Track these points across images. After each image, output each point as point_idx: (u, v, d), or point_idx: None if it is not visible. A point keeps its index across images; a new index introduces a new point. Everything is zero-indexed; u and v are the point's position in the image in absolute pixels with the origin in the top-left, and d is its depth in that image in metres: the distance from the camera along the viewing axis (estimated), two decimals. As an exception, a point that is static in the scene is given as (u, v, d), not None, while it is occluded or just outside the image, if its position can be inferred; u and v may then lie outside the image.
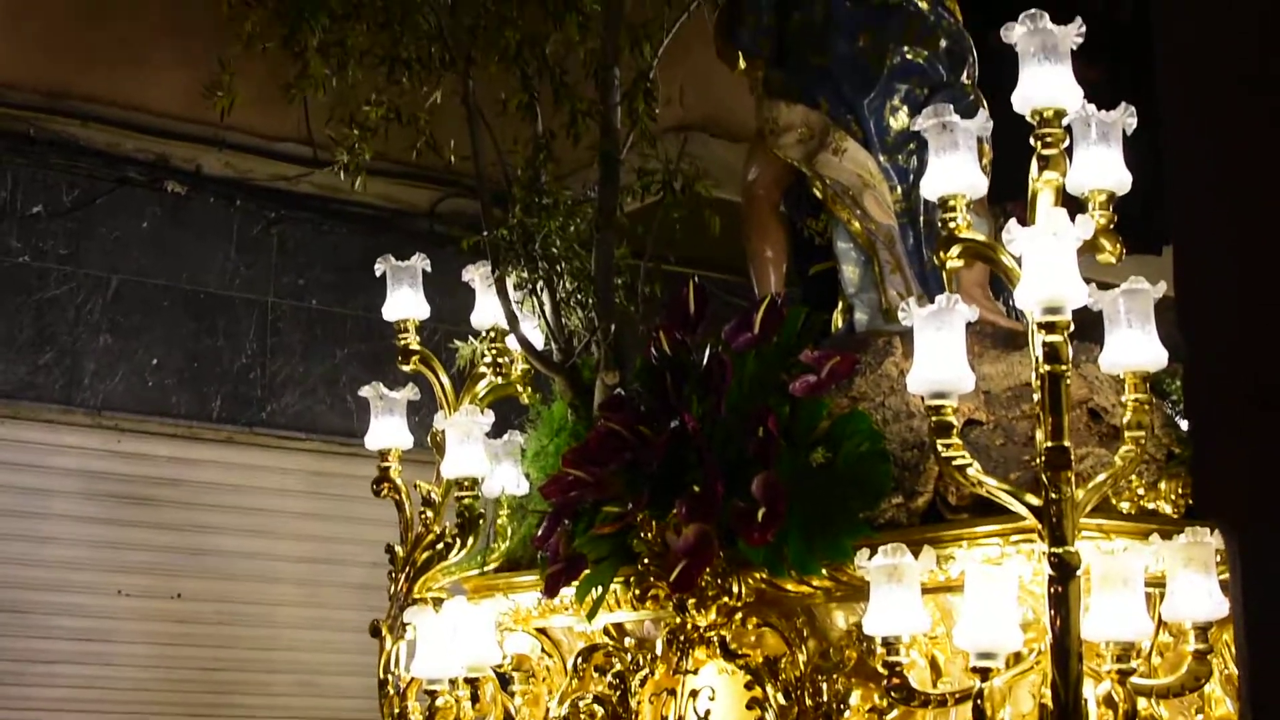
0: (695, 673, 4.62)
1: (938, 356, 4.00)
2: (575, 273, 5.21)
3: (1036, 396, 3.94)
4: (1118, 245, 4.15)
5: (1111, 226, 4.16)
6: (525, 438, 5.28)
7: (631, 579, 4.63)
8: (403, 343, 5.38)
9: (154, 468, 7.60)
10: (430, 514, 5.26)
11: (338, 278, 7.96)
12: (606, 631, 4.88)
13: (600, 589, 4.66)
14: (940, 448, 3.98)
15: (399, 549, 5.30)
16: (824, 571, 4.33)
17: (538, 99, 5.40)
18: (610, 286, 5.19)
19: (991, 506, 4.04)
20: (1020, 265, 4.00)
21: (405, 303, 5.35)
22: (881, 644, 4.03)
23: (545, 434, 5.24)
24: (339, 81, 5.46)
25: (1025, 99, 4.10)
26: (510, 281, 5.29)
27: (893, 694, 4.05)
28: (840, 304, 5.08)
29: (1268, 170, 2.24)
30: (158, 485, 7.60)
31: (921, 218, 4.95)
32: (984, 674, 3.91)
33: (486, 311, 5.45)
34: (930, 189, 4.18)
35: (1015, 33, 4.15)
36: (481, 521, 5.16)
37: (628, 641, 4.84)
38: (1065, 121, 4.12)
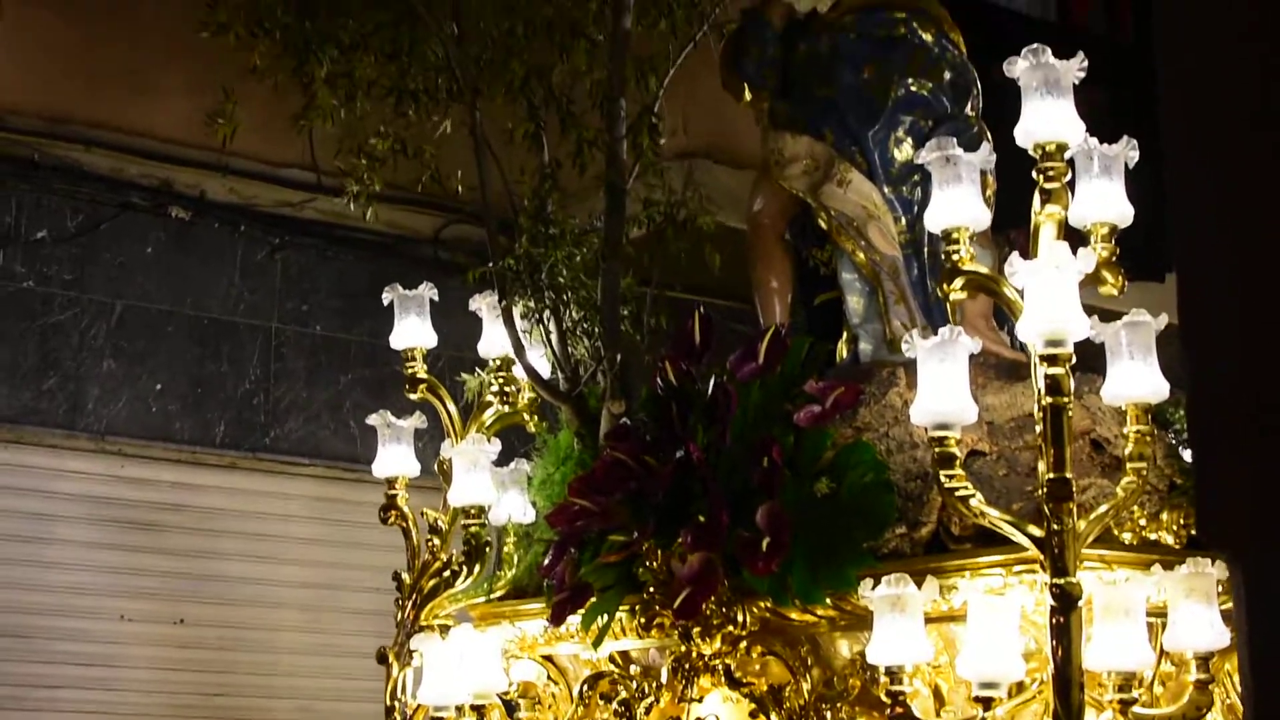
0: (700, 700, 4.69)
1: (941, 388, 4.09)
2: (581, 302, 5.28)
3: (1039, 428, 4.03)
4: (1119, 278, 4.23)
5: (1114, 258, 4.25)
6: (532, 466, 5.36)
7: (637, 607, 4.71)
8: (410, 371, 5.46)
9: (157, 493, 7.60)
10: (437, 541, 5.35)
11: (342, 303, 7.99)
12: (612, 659, 4.96)
13: (606, 617, 4.74)
14: (943, 479, 4.07)
15: (406, 576, 5.38)
16: (828, 601, 4.41)
17: (544, 128, 5.48)
18: (616, 316, 5.26)
19: (994, 537, 4.12)
20: (1022, 298, 4.09)
21: (413, 331, 5.44)
22: (885, 673, 4.10)
23: (551, 462, 5.32)
24: (347, 112, 5.54)
25: (1027, 133, 4.20)
26: (517, 311, 5.37)
27: (896, 722, 4.13)
28: (845, 334, 5.17)
29: (1269, 198, 2.25)
30: (161, 510, 7.60)
31: (926, 249, 5.04)
32: (987, 703, 3.99)
33: (493, 341, 5.54)
34: (933, 222, 4.27)
35: (1018, 67, 4.24)
36: (488, 549, 5.24)
37: (633, 669, 4.92)
38: (1068, 155, 4.21)
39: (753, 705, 4.57)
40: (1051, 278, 4.05)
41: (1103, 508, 4.07)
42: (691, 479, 4.62)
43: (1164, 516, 4.42)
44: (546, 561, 4.91)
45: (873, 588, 4.13)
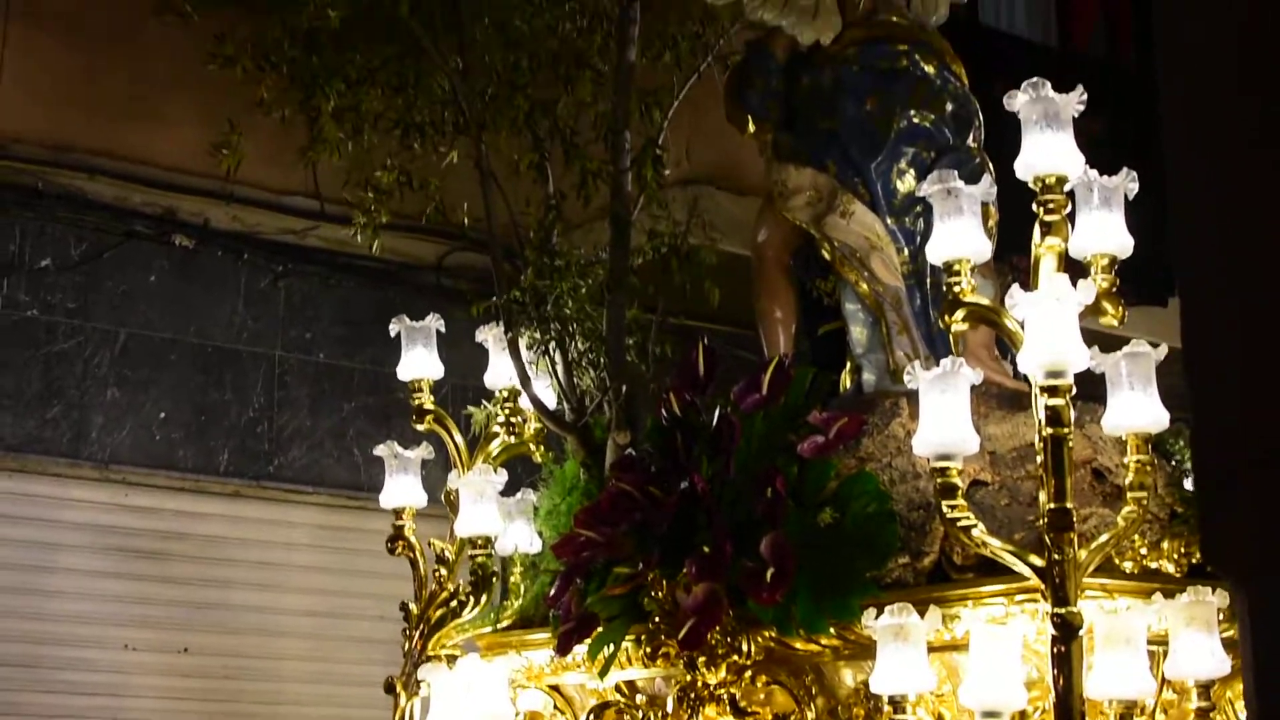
0: (705, 729, 4.78)
1: (943, 419, 4.16)
2: (587, 333, 5.36)
3: (1040, 459, 4.11)
4: (1120, 308, 4.32)
5: (1114, 289, 4.34)
6: (538, 496, 5.45)
7: (642, 637, 4.78)
8: (417, 402, 5.56)
9: (161, 521, 7.66)
10: (444, 572, 5.43)
11: (345, 331, 8.07)
12: (618, 689, 5.02)
13: (612, 647, 4.82)
14: (945, 509, 4.15)
15: (413, 606, 5.46)
16: (832, 630, 4.49)
17: (549, 160, 5.58)
18: (622, 347, 5.36)
19: (996, 566, 4.20)
20: (1023, 329, 4.18)
21: (419, 363, 5.54)
22: (888, 702, 4.17)
23: (558, 493, 5.42)
24: (353, 145, 5.63)
25: (1027, 166, 4.28)
26: (523, 342, 5.46)
27: (899, 751, 4.20)
28: (848, 364, 5.26)
29: (1271, 222, 2.28)
30: (165, 539, 7.66)
31: (928, 279, 5.13)
32: (989, 732, 4.08)
33: (500, 372, 5.64)
34: (935, 254, 4.36)
35: (1017, 100, 4.33)
36: (495, 579, 5.33)
37: (639, 698, 4.99)
38: (1067, 187, 4.30)
39: (758, 734, 4.66)
40: (1052, 309, 4.13)
41: (1104, 537, 4.14)
42: (696, 509, 4.70)
43: (1165, 545, 4.50)
44: (553, 592, 4.99)
45: (876, 617, 4.20)
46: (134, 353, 7.67)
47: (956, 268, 4.30)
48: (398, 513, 5.54)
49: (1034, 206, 4.29)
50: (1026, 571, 4.08)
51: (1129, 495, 4.18)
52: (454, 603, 5.38)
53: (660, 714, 4.88)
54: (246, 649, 7.74)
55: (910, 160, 5.20)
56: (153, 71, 7.67)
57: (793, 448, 4.72)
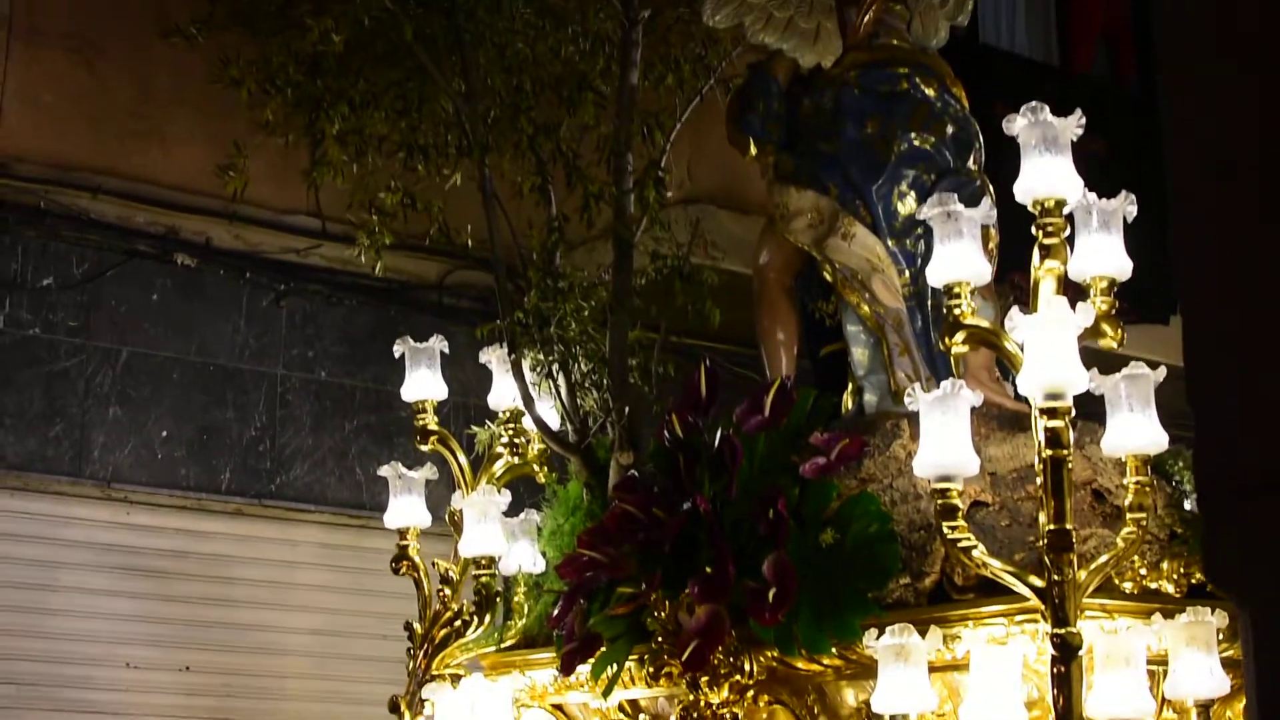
0: (709, 748, 4.83)
1: (943, 441, 4.24)
2: (590, 355, 5.43)
3: (1040, 480, 4.18)
4: (1119, 330, 4.40)
5: (1113, 311, 4.41)
6: (541, 517, 5.52)
7: (645, 657, 4.85)
8: (421, 423, 5.63)
9: (163, 540, 7.67)
10: (448, 591, 5.50)
11: (347, 350, 8.10)
12: (621, 708, 5.09)
13: (615, 667, 4.88)
14: (946, 530, 4.22)
15: (417, 625, 5.53)
16: (834, 650, 4.56)
17: (551, 183, 5.65)
18: (624, 368, 5.42)
19: (997, 587, 4.27)
20: (1023, 351, 4.25)
21: (423, 384, 5.61)
22: (890, 721, 4.24)
23: (561, 513, 5.48)
24: (358, 167, 5.69)
25: (1027, 189, 4.36)
26: (526, 364, 5.53)
27: (901, 770, 4.26)
28: (850, 386, 5.32)
29: (1273, 245, 2.31)
30: (166, 557, 7.67)
31: (929, 301, 5.19)
32: (990, 751, 4.14)
33: (503, 393, 5.71)
34: (935, 277, 4.43)
35: (1017, 125, 4.40)
36: (499, 599, 5.39)
37: (642, 718, 5.06)
38: (1066, 210, 4.37)
39: (760, 753, 4.72)
40: (1051, 332, 4.21)
41: (1103, 558, 4.21)
42: (699, 530, 4.76)
43: (1164, 565, 4.56)
44: (556, 611, 5.05)
45: (877, 637, 4.27)
46: (136, 371, 7.68)
47: (956, 290, 4.37)
48: (402, 533, 5.61)
49: (1033, 230, 4.35)
50: (1027, 592, 4.15)
51: (1128, 516, 4.25)
52: (458, 622, 5.45)
53: (663, 733, 4.95)
54: (248, 667, 7.74)
55: (911, 183, 5.26)
56: (156, 91, 7.71)
57: (795, 468, 4.78)
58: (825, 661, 4.61)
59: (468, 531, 5.33)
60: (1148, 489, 4.28)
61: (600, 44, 5.79)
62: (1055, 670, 4.06)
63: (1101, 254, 4.42)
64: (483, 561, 5.35)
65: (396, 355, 5.64)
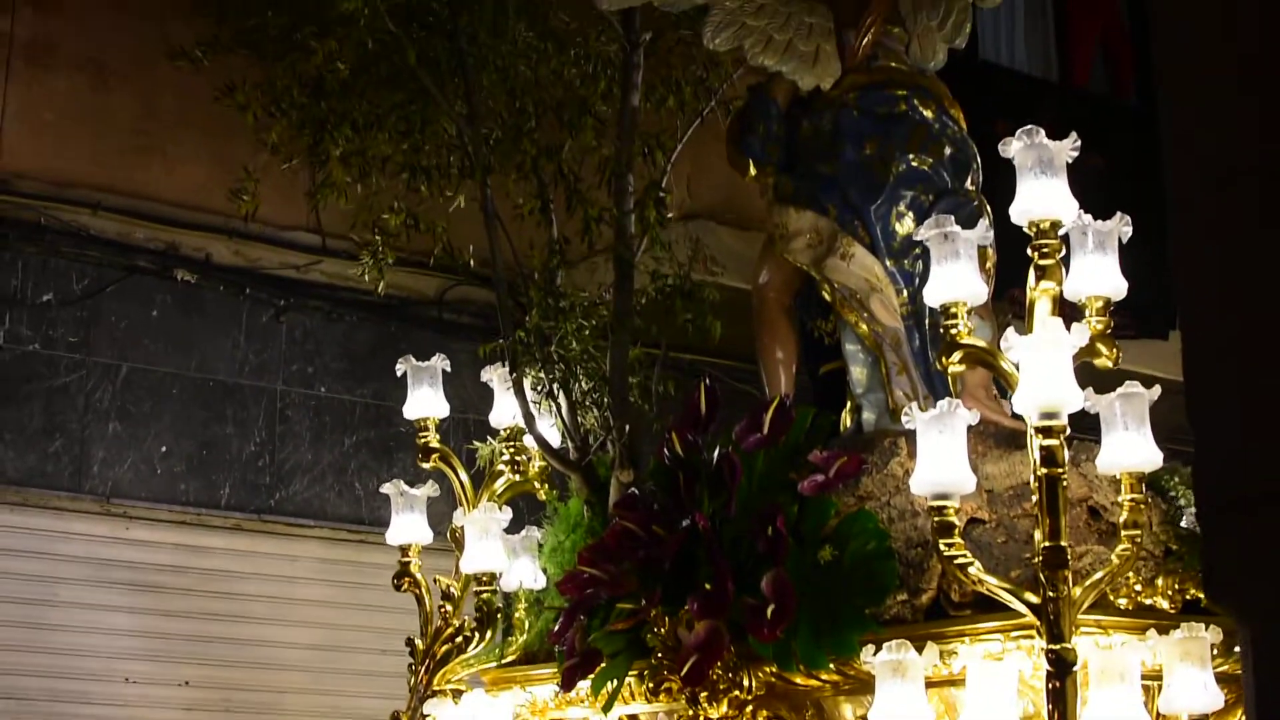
0: (708, 763, 4.90)
1: (940, 459, 4.32)
2: (590, 374, 5.51)
3: (1035, 497, 4.27)
4: (1114, 350, 4.50)
5: (1108, 330, 4.51)
6: (542, 533, 5.60)
7: (645, 672, 4.92)
8: (423, 441, 5.72)
9: (162, 555, 7.72)
10: (450, 607, 5.58)
11: (347, 365, 8.17)
12: (621, 723, 5.16)
13: (615, 682, 4.96)
14: (943, 547, 4.31)
15: (419, 641, 5.61)
16: (831, 665, 4.64)
17: (553, 206, 5.75)
18: (625, 386, 5.51)
19: (993, 603, 4.36)
20: (1019, 371, 4.35)
21: (425, 402, 5.70)
22: (887, 736, 4.31)
23: (562, 530, 5.56)
24: (361, 188, 5.78)
25: (1023, 211, 4.46)
26: (527, 382, 5.62)
27: (898, 784, 4.34)
28: (849, 404, 5.40)
29: (1272, 260, 2.35)
30: (166, 572, 7.72)
31: (927, 320, 5.26)
32: (986, 765, 4.22)
33: (504, 411, 5.79)
34: (932, 297, 4.53)
35: (1013, 147, 4.50)
36: (500, 615, 5.48)
37: (642, 733, 5.14)
38: (1062, 231, 4.46)
39: (759, 767, 4.79)
40: (1046, 352, 4.30)
41: (1098, 574, 4.29)
42: (698, 547, 4.85)
43: (1159, 582, 4.63)
44: (557, 627, 5.13)
45: (875, 653, 4.34)
46: (136, 387, 7.73)
47: (953, 310, 4.46)
48: (404, 549, 5.69)
49: (1029, 251, 4.45)
50: (1022, 608, 4.24)
51: (1123, 533, 4.33)
52: (459, 638, 5.52)
53: (663, 748, 5.01)
54: (248, 682, 7.78)
55: (909, 203, 5.33)
56: (156, 107, 7.78)
57: (793, 486, 4.86)
58: (823, 677, 4.68)
59: (469, 548, 5.41)
60: (1143, 506, 4.36)
61: (602, 66, 5.88)
62: (1050, 686, 4.14)
63: (1097, 274, 4.51)
64: (484, 578, 5.43)
65: (399, 374, 5.73)
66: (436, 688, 5.52)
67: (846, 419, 5.41)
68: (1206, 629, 4.36)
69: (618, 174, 5.60)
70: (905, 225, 5.30)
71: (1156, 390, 4.37)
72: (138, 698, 7.62)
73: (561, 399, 5.57)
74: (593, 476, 5.55)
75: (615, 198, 5.63)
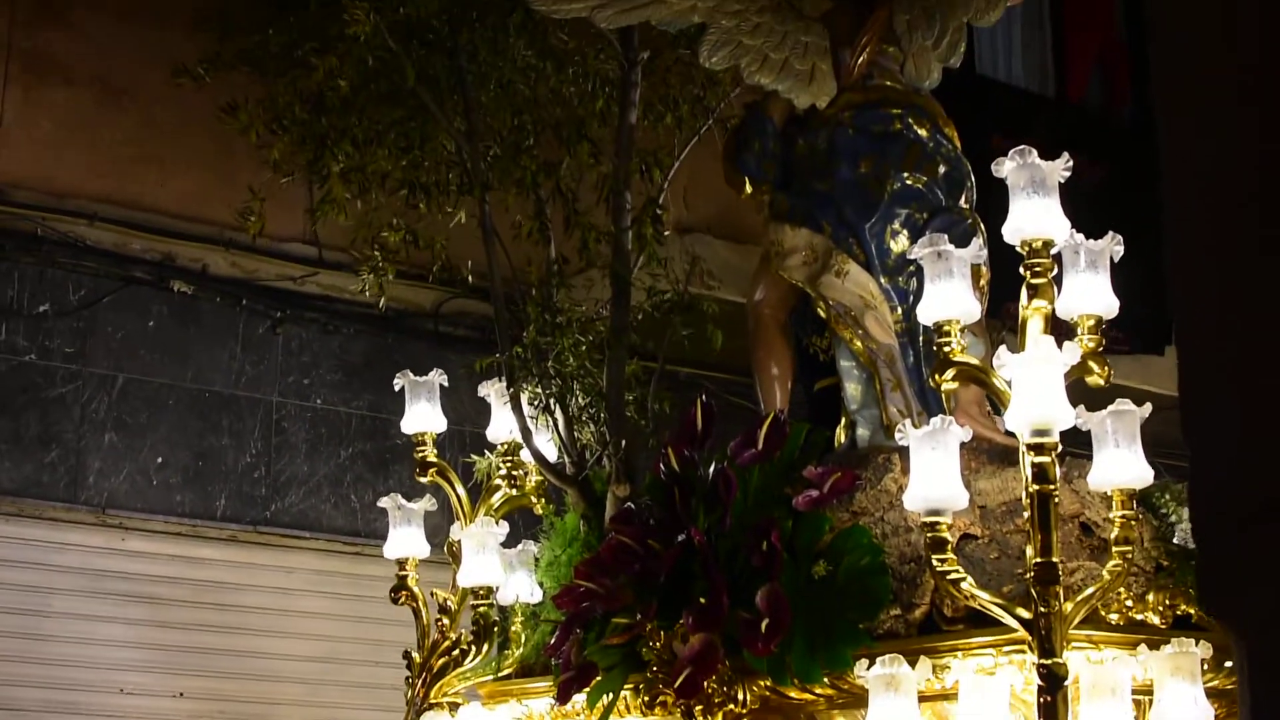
0: (702, 776, 4.97)
1: (933, 475, 4.40)
2: (587, 389, 5.59)
3: (1027, 514, 4.35)
4: (1105, 368, 4.58)
5: (1099, 348, 4.60)
6: (539, 547, 5.67)
7: (640, 686, 4.98)
8: (420, 455, 5.79)
9: (158, 566, 7.77)
10: (446, 621, 5.64)
11: (343, 377, 8.23)
12: (616, 736, 5.22)
13: (610, 696, 5.02)
14: (935, 562, 4.38)
15: (416, 654, 5.67)
16: (826, 680, 4.71)
17: (549, 224, 5.83)
18: (621, 402, 5.59)
19: (985, 618, 4.43)
20: (1011, 388, 4.44)
21: (423, 417, 5.77)
22: (880, 749, 4.38)
23: (558, 544, 5.63)
24: (361, 204, 5.86)
25: (1015, 230, 4.54)
26: (524, 397, 5.69)
27: (891, 798, 4.41)
28: (843, 420, 5.47)
29: (1269, 276, 2.32)
30: (161, 584, 7.77)
31: (920, 337, 5.34)
32: (977, 779, 4.30)
33: (501, 425, 5.86)
34: (925, 315, 4.61)
35: (1005, 167, 4.58)
36: (496, 629, 5.53)
37: (637, 746, 5.19)
38: (1054, 250, 4.55)
39: (754, 780, 4.85)
40: (1038, 370, 4.37)
41: (1089, 590, 4.37)
42: (693, 561, 4.91)
43: (1150, 598, 4.70)
44: (553, 641, 5.20)
45: (868, 667, 4.42)
46: (132, 398, 7.77)
47: (946, 328, 4.54)
48: (401, 563, 5.75)
49: (1021, 270, 4.53)
50: (1014, 623, 4.31)
51: (1114, 549, 4.40)
52: (456, 651, 5.58)
53: (658, 761, 5.07)
54: (243, 694, 7.82)
55: (904, 221, 5.40)
56: (153, 118, 7.84)
57: (788, 501, 4.93)
58: (817, 691, 4.74)
59: (466, 562, 5.48)
60: (1134, 523, 4.43)
61: (600, 85, 5.96)
62: (1042, 700, 4.20)
63: (1088, 293, 4.58)
64: (481, 591, 5.49)
65: (396, 388, 5.80)
66: (433, 701, 5.57)
67: (841, 435, 5.46)
68: (1197, 644, 4.42)
69: (615, 191, 5.68)
70: (900, 243, 5.37)
71: (1147, 408, 4.44)
72: (133, 709, 7.66)
73: (558, 414, 5.63)
74: (589, 491, 5.62)
75: (613, 215, 5.71)
